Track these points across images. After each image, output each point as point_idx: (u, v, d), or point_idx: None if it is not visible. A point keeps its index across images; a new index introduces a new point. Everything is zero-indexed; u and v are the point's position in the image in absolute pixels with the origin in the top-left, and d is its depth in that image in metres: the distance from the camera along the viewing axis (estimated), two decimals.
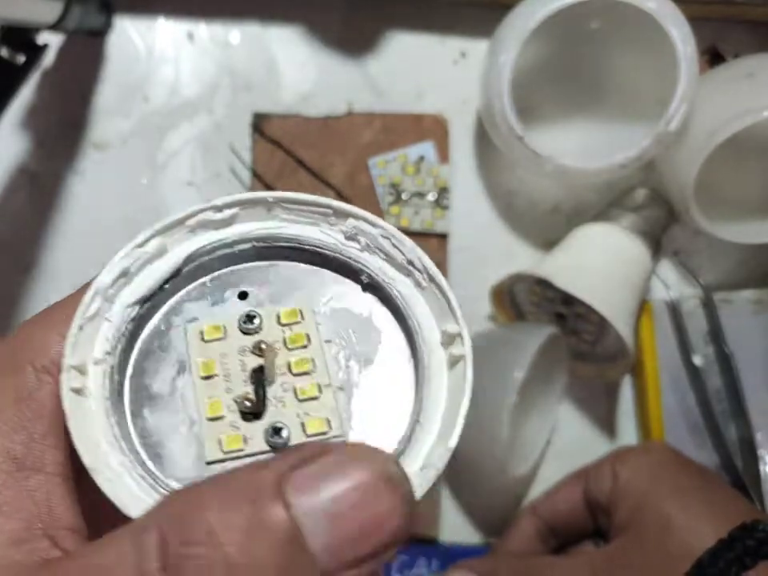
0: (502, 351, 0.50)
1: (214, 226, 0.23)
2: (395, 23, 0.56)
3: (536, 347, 0.48)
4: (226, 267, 0.23)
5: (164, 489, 0.20)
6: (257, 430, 0.21)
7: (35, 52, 0.47)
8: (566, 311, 0.53)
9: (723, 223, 0.51)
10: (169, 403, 0.21)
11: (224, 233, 0.23)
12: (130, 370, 0.22)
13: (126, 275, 0.22)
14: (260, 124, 0.55)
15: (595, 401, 0.56)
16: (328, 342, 0.22)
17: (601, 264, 0.51)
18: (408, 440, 0.21)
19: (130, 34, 0.56)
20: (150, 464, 0.21)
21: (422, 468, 0.20)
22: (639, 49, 0.50)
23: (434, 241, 0.55)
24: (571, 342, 0.54)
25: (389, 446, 0.21)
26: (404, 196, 0.54)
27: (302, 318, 0.23)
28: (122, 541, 0.16)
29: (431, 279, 0.23)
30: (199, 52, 0.56)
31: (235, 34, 0.56)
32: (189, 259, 0.23)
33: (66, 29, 0.47)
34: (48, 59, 0.54)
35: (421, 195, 0.54)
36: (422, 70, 0.56)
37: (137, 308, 0.22)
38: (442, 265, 0.55)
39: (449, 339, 0.22)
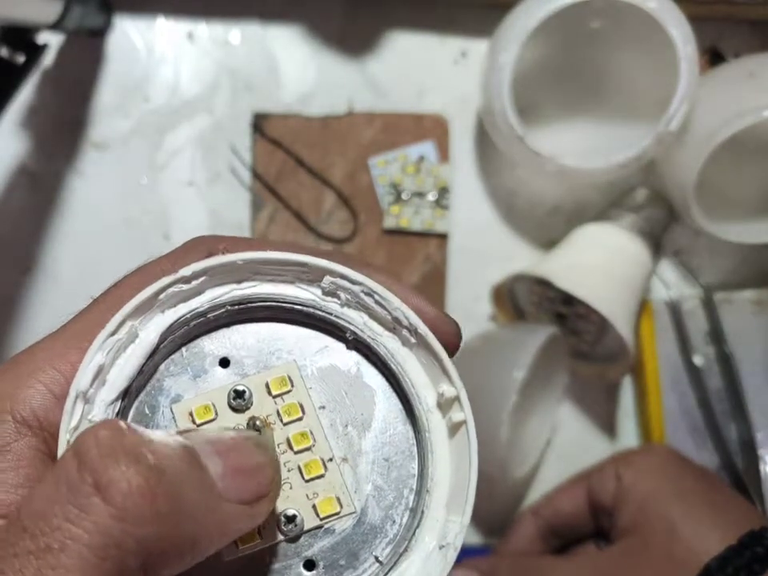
0: (502, 351, 0.50)
1: (184, 297, 0.22)
2: (395, 23, 0.56)
3: (536, 347, 0.48)
4: (202, 336, 0.22)
5: None
6: (269, 520, 0.20)
7: (35, 52, 0.47)
8: (566, 311, 0.53)
9: (723, 223, 0.51)
10: None
11: (195, 302, 0.22)
12: None
13: (101, 371, 0.21)
14: (260, 124, 0.55)
15: (595, 401, 0.56)
16: (322, 408, 0.21)
17: (601, 264, 0.51)
18: (419, 511, 0.20)
19: (130, 34, 0.56)
20: None
21: (440, 547, 0.20)
22: (639, 49, 0.50)
23: (433, 241, 0.55)
24: (571, 342, 0.54)
25: (401, 516, 0.21)
26: (404, 196, 0.54)
27: (292, 384, 0.21)
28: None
29: (419, 337, 0.22)
30: (199, 52, 0.56)
31: (235, 34, 0.56)
32: (163, 335, 0.21)
33: (66, 29, 0.47)
34: (48, 59, 0.54)
35: (421, 195, 0.54)
36: (422, 69, 0.56)
37: (119, 403, 0.21)
38: (442, 265, 0.55)
39: (446, 402, 0.21)
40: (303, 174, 0.55)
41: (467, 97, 0.56)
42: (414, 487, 0.21)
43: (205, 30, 0.56)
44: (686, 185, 0.48)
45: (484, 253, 0.56)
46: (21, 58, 0.46)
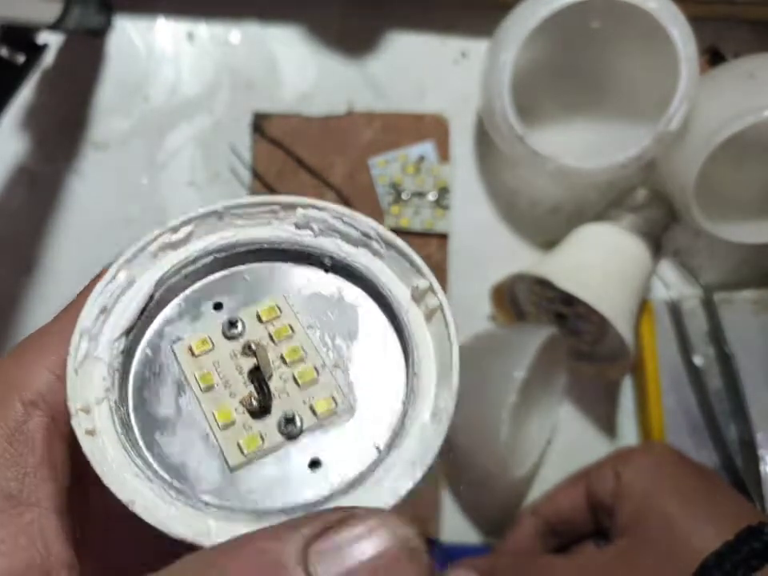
0: (502, 351, 0.50)
1: (173, 246, 0.24)
2: (395, 23, 0.56)
3: (536, 347, 0.48)
4: (194, 283, 0.24)
5: (200, 503, 0.20)
6: (270, 425, 0.22)
7: (35, 52, 0.47)
8: (566, 311, 0.53)
9: (723, 223, 0.51)
10: (178, 424, 0.22)
11: (184, 251, 0.24)
12: (131, 402, 0.22)
13: (104, 312, 0.22)
14: (260, 124, 0.55)
15: (595, 401, 0.56)
16: (310, 327, 0.23)
17: (601, 264, 0.51)
18: (411, 394, 0.22)
19: (130, 34, 0.56)
20: (176, 484, 0.21)
21: (432, 414, 0.21)
22: (639, 49, 0.50)
23: (434, 241, 0.55)
24: (571, 342, 0.54)
25: (394, 404, 0.22)
26: (404, 196, 0.54)
27: (280, 311, 0.23)
28: None
29: (389, 245, 0.24)
30: (199, 52, 0.56)
31: (235, 34, 0.56)
32: (158, 284, 0.23)
33: (66, 29, 0.47)
34: (48, 59, 0.54)
35: (421, 195, 0.54)
36: (423, 69, 0.56)
37: (122, 340, 0.22)
38: (442, 265, 0.55)
39: (420, 294, 0.23)
40: (303, 173, 0.55)
41: (467, 97, 0.56)
42: (404, 380, 0.23)
43: (205, 30, 0.56)
44: (686, 185, 0.48)
45: (484, 253, 0.56)
46: (21, 58, 0.46)
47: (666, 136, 0.48)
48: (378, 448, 0.22)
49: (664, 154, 0.50)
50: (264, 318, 0.23)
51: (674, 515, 0.43)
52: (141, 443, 0.21)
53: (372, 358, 0.23)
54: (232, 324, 0.23)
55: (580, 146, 0.53)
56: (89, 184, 0.55)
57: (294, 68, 0.56)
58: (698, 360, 0.54)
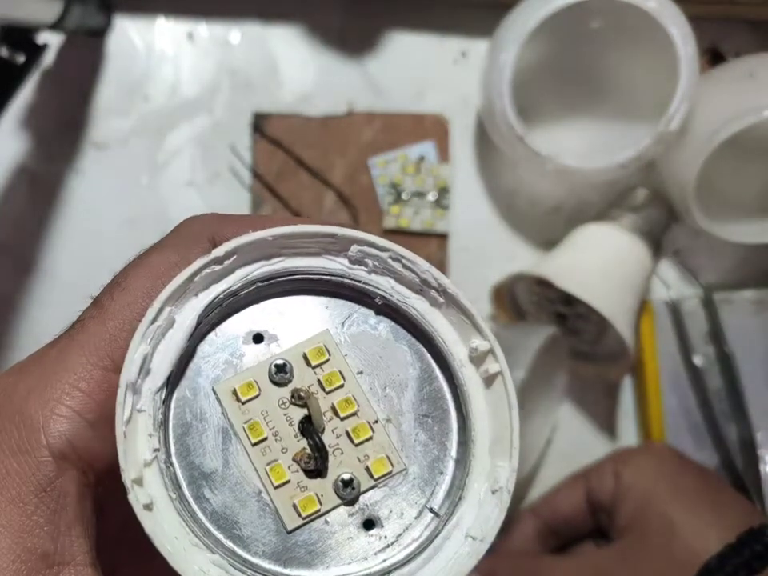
0: (502, 351, 0.50)
1: (216, 277, 0.22)
2: (395, 23, 0.56)
3: (536, 347, 0.48)
4: (234, 314, 0.22)
5: (260, 573, 0.20)
6: (326, 486, 0.21)
7: (35, 52, 0.47)
8: (566, 311, 0.53)
9: (723, 223, 0.51)
10: (226, 477, 0.21)
11: (227, 281, 0.22)
12: (173, 452, 0.21)
13: (146, 359, 0.21)
14: (260, 124, 0.55)
15: (595, 401, 0.56)
16: (360, 373, 0.22)
17: (601, 264, 0.51)
18: (465, 461, 0.21)
19: (130, 34, 0.56)
20: (233, 547, 0.20)
21: (493, 492, 0.21)
22: (639, 49, 0.50)
23: (434, 241, 0.55)
24: (571, 342, 0.54)
25: (447, 466, 0.22)
26: (404, 196, 0.54)
27: (329, 353, 0.22)
28: None
29: (449, 297, 0.22)
30: (199, 52, 0.56)
31: (235, 34, 0.56)
32: (200, 319, 0.21)
33: (66, 28, 0.47)
34: (48, 59, 0.54)
35: (421, 195, 0.54)
36: (422, 69, 0.56)
37: (164, 390, 0.21)
38: (442, 265, 0.55)
39: (480, 356, 0.22)
40: (303, 173, 0.55)
41: (467, 97, 0.56)
42: (457, 438, 0.22)
43: (205, 29, 0.56)
44: (686, 185, 0.48)
45: (484, 253, 0.56)
46: (21, 58, 0.46)
47: (666, 136, 0.48)
48: (433, 511, 0.21)
49: (664, 154, 0.50)
50: (312, 361, 0.22)
51: (674, 516, 0.43)
52: (193, 504, 0.20)
53: (423, 413, 0.22)
54: (279, 368, 0.22)
55: (580, 146, 0.53)
56: (89, 184, 0.55)
57: (294, 68, 0.56)
58: (697, 360, 0.54)
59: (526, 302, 0.55)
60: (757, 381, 0.53)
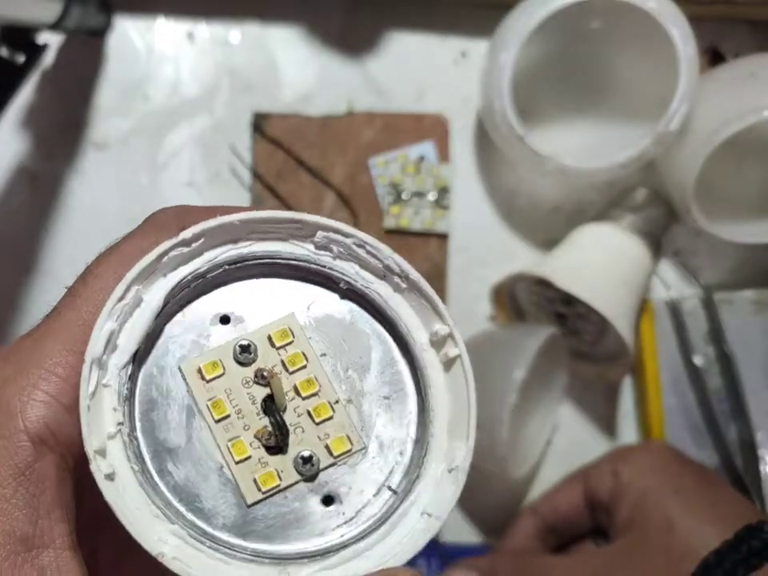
0: (502, 351, 0.50)
1: (184, 259, 0.22)
2: (395, 23, 0.56)
3: (536, 347, 0.48)
4: (202, 296, 0.23)
5: (220, 545, 0.20)
6: (286, 462, 0.22)
7: (35, 52, 0.47)
8: (566, 311, 0.53)
9: (723, 223, 0.51)
10: (189, 452, 0.21)
11: (195, 263, 0.22)
12: (139, 427, 0.21)
13: (113, 335, 0.21)
14: (260, 124, 0.55)
15: (595, 401, 0.56)
16: (323, 355, 0.23)
17: (601, 264, 0.51)
18: (424, 441, 0.22)
19: (130, 34, 0.56)
20: (194, 519, 0.21)
21: (449, 471, 0.21)
22: (639, 49, 0.50)
23: (434, 241, 0.55)
24: (571, 342, 0.54)
25: (406, 446, 0.22)
26: (404, 196, 0.54)
27: (293, 335, 0.23)
28: None
29: (411, 282, 0.23)
30: (199, 52, 0.56)
31: (235, 34, 0.56)
32: (167, 299, 0.22)
33: (66, 29, 0.47)
34: (48, 59, 0.54)
35: (421, 195, 0.54)
36: (422, 69, 0.56)
37: (130, 366, 0.21)
38: (442, 265, 0.55)
39: (440, 340, 0.23)
40: (303, 173, 0.55)
41: (467, 97, 0.56)
42: (417, 420, 0.22)
43: (205, 30, 0.56)
44: (686, 185, 0.48)
45: (484, 253, 0.56)
46: (21, 58, 0.46)
47: (666, 136, 0.48)
48: (391, 489, 0.22)
49: (664, 154, 0.50)
50: (276, 343, 0.22)
51: (673, 514, 0.43)
52: (155, 477, 0.21)
53: (383, 395, 0.23)
54: (244, 348, 0.22)
55: (580, 146, 0.53)
56: (89, 184, 0.55)
57: (294, 68, 0.56)
58: (698, 360, 0.54)
59: (526, 301, 0.55)
60: (757, 381, 0.53)
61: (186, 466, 0.21)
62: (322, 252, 0.23)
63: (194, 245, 0.22)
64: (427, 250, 0.55)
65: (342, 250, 0.23)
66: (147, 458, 0.21)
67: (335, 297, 0.23)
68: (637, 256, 0.52)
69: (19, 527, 0.19)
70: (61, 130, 0.55)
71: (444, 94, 0.56)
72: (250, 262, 0.23)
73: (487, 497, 0.55)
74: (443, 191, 0.54)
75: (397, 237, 0.54)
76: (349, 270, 0.23)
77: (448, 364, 0.23)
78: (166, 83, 0.56)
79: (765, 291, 0.55)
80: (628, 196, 0.54)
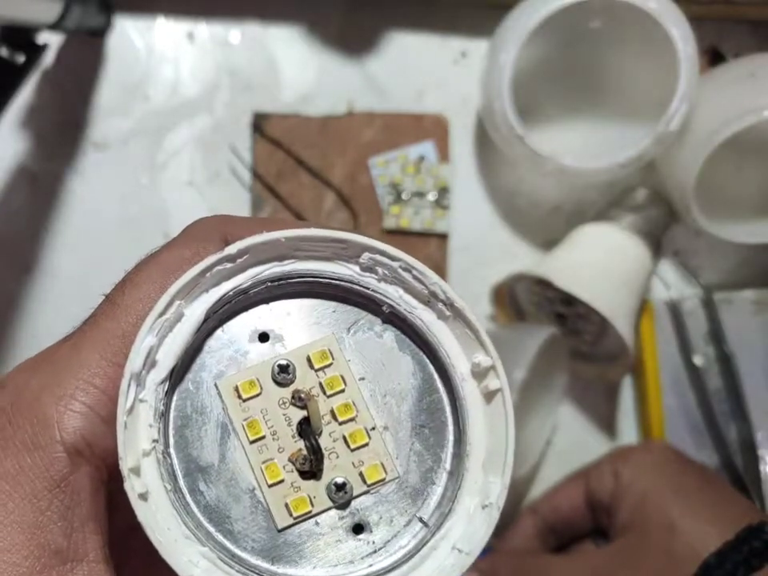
0: (502, 351, 0.49)
1: (227, 275, 0.22)
2: (395, 23, 0.56)
3: (536, 347, 0.48)
4: (242, 312, 0.22)
5: (248, 569, 0.20)
6: (319, 488, 0.21)
7: (35, 52, 0.47)
8: (566, 311, 0.53)
9: (723, 223, 0.51)
10: (222, 472, 0.21)
11: (238, 279, 0.22)
12: (172, 443, 0.21)
13: (152, 350, 0.21)
14: (260, 124, 0.55)
15: (595, 401, 0.56)
16: (362, 379, 0.22)
17: (601, 264, 0.51)
18: (458, 474, 0.22)
19: (130, 34, 0.56)
20: (223, 541, 0.21)
21: (483, 507, 0.21)
22: (639, 49, 0.50)
23: (434, 241, 0.55)
24: (571, 342, 0.54)
25: (440, 477, 0.22)
26: (404, 196, 0.54)
27: (333, 357, 0.22)
28: None
29: (455, 310, 0.22)
30: (199, 52, 0.56)
31: (235, 34, 0.56)
32: (207, 315, 0.22)
33: (66, 28, 0.47)
34: (48, 59, 0.54)
35: (421, 195, 0.54)
36: (422, 69, 0.56)
37: (168, 382, 0.21)
38: (441, 265, 0.55)
39: (482, 371, 0.22)
40: (303, 173, 0.55)
41: (467, 97, 0.56)
42: (452, 451, 0.22)
43: (205, 30, 0.56)
44: (686, 185, 0.48)
45: (484, 253, 0.56)
46: (21, 58, 0.46)
47: (666, 136, 0.48)
48: (423, 521, 0.22)
49: (664, 154, 0.50)
50: (315, 364, 0.22)
51: (673, 514, 0.43)
52: (187, 496, 0.21)
53: (420, 424, 0.22)
54: (282, 368, 0.22)
55: (580, 146, 0.53)
56: (89, 184, 0.55)
57: (294, 68, 0.56)
58: (698, 360, 0.54)
59: (526, 301, 0.55)
60: (757, 381, 0.53)
61: (218, 486, 0.21)
62: (367, 274, 0.23)
63: (238, 260, 0.22)
64: (427, 250, 0.55)
65: (387, 272, 0.23)
66: (180, 476, 0.21)
67: (377, 320, 0.23)
68: (637, 256, 0.52)
69: (54, 540, 0.19)
70: (61, 130, 0.55)
71: (444, 94, 0.56)
72: (293, 280, 0.22)
73: None
74: (443, 191, 0.54)
75: (397, 237, 0.54)
76: (393, 294, 0.23)
77: (488, 396, 0.22)
78: (165, 83, 0.56)
79: (765, 291, 0.55)
80: (628, 196, 0.54)
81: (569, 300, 0.52)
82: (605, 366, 0.53)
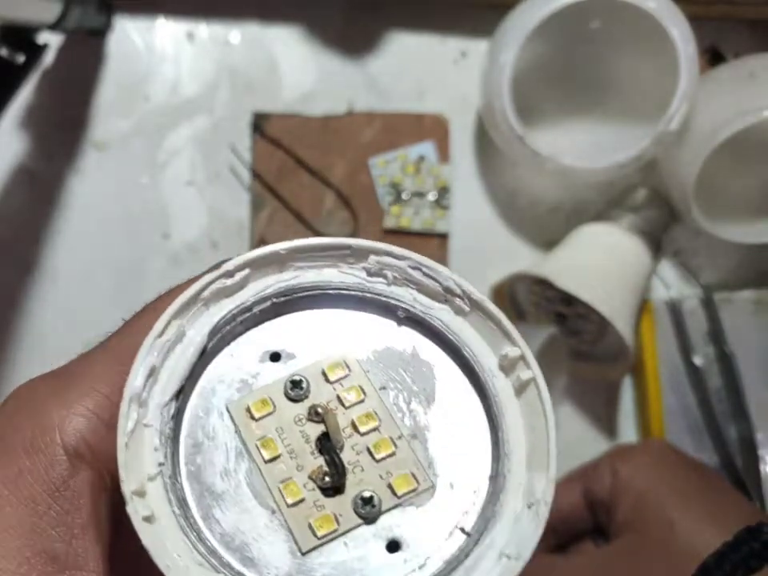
0: None
1: (228, 292, 0.21)
2: (395, 23, 0.56)
3: (536, 347, 0.48)
4: (249, 331, 0.21)
5: None
6: (344, 504, 0.20)
7: (35, 52, 0.47)
8: (566, 311, 0.53)
9: (723, 223, 0.51)
10: (238, 497, 0.20)
11: (240, 297, 0.21)
12: (183, 471, 0.20)
13: (153, 372, 0.20)
14: (260, 124, 0.55)
15: (595, 401, 0.56)
16: (383, 389, 0.21)
17: (601, 264, 0.51)
18: (499, 475, 0.20)
19: (130, 34, 0.56)
20: (243, 570, 0.19)
21: (529, 506, 0.19)
22: (639, 49, 0.50)
23: (434, 241, 0.55)
24: (571, 342, 0.54)
25: (479, 482, 0.20)
26: (404, 196, 0.54)
27: (349, 369, 0.21)
28: None
29: (474, 303, 0.21)
30: (199, 52, 0.56)
31: (235, 34, 0.56)
32: (211, 335, 0.21)
33: (66, 29, 0.47)
34: (48, 59, 0.54)
35: (421, 195, 0.54)
36: (422, 69, 0.56)
37: (173, 403, 0.20)
38: (442, 265, 0.54)
39: (510, 363, 0.21)
40: (303, 173, 0.55)
41: (467, 97, 0.56)
42: (490, 453, 0.20)
43: (205, 30, 0.56)
44: (686, 185, 0.48)
45: (484, 253, 0.56)
46: (21, 58, 0.46)
47: (666, 136, 0.48)
48: (464, 531, 0.20)
49: (664, 154, 0.50)
50: (331, 377, 0.21)
51: (673, 513, 0.43)
52: (200, 523, 0.19)
53: (452, 428, 0.21)
54: (295, 384, 0.21)
55: (580, 146, 0.53)
56: (89, 184, 0.55)
57: (294, 68, 0.56)
58: (698, 360, 0.54)
59: (526, 302, 0.55)
60: (757, 381, 0.53)
61: (235, 512, 0.20)
62: (375, 278, 0.22)
63: (237, 276, 0.21)
64: (427, 250, 0.55)
65: (396, 275, 0.22)
66: (193, 504, 0.20)
67: (393, 325, 0.22)
68: (637, 256, 0.52)
69: (51, 546, 0.18)
70: (61, 130, 0.55)
71: (444, 94, 0.56)
72: (299, 294, 0.21)
73: None
74: (443, 191, 0.54)
75: (397, 237, 0.54)
76: (406, 297, 0.22)
77: (521, 388, 0.21)
78: (165, 83, 0.56)
79: (765, 291, 0.55)
80: (628, 196, 0.54)
81: (569, 300, 0.52)
82: (605, 366, 0.53)
